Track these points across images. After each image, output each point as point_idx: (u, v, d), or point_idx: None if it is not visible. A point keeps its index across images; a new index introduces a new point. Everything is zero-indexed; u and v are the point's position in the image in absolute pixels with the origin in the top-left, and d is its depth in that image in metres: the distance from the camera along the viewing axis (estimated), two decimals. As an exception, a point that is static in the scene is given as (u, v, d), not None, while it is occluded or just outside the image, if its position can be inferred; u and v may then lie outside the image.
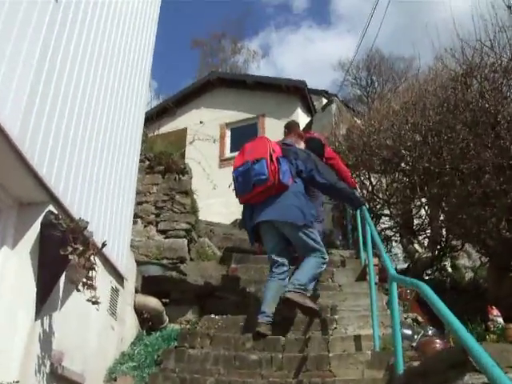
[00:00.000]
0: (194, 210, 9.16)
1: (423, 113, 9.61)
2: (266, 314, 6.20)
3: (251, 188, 6.39)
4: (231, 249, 9.80)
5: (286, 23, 64.05)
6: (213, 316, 6.97)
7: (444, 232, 10.39)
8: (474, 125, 8.51)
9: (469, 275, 12.27)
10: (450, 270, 12.27)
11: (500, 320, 7.26)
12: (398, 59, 34.40)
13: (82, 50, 4.84)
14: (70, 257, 3.92)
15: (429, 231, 11.18)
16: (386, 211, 11.86)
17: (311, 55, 57.26)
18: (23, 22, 3.74)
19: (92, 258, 4.18)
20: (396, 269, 9.79)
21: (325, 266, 6.81)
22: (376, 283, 7.36)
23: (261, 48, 66.41)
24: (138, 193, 7.51)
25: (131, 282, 6.71)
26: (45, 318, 4.16)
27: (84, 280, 4.18)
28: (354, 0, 56.74)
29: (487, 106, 8.32)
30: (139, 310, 6.87)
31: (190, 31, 64.36)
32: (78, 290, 4.21)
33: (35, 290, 3.98)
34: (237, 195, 6.74)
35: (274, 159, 6.40)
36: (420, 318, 7.02)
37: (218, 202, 15.50)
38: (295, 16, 62.55)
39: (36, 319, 3.98)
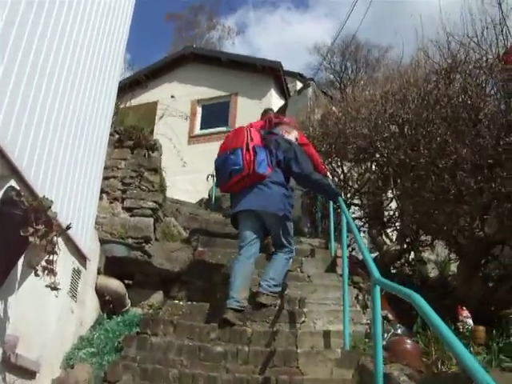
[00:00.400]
0: (162, 189, 8.88)
1: (403, 104, 9.41)
2: (234, 299, 6.07)
3: (228, 177, 6.44)
4: (197, 230, 9.55)
5: (264, 3, 63.63)
6: (177, 302, 6.75)
7: (414, 226, 10.23)
8: (454, 120, 8.34)
9: (434, 270, 12.21)
10: (415, 263, 12.18)
11: (470, 321, 7.17)
12: (373, 47, 34.31)
13: (52, 24, 4.49)
14: (31, 238, 3.60)
15: (399, 224, 11.04)
16: (357, 201, 11.72)
17: (288, 37, 57.22)
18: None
19: (54, 240, 3.86)
20: (363, 260, 9.67)
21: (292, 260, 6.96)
22: (342, 275, 7.20)
23: (237, 26, 66.13)
24: (105, 167, 7.17)
25: (94, 262, 6.40)
26: (0, 303, 3.84)
27: (44, 264, 3.86)
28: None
29: (469, 102, 8.15)
30: (100, 292, 6.57)
31: (166, 3, 63.40)
32: (37, 275, 3.89)
33: (-11, 273, 3.66)
34: (217, 185, 7.01)
35: (251, 148, 6.39)
36: (390, 316, 6.85)
37: (184, 179, 15.25)
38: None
39: (-10, 305, 3.67)
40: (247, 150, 6.35)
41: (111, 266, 6.85)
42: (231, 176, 6.40)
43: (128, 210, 8.11)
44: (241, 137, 6.52)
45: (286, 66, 20.34)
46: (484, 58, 8.30)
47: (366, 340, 6.02)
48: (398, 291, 3.31)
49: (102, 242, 7.04)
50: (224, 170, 6.49)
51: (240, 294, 6.11)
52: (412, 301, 2.92)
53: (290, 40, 56.43)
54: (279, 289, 6.52)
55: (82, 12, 5.20)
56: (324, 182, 7.06)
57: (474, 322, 7.16)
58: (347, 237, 7.19)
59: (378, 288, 3.96)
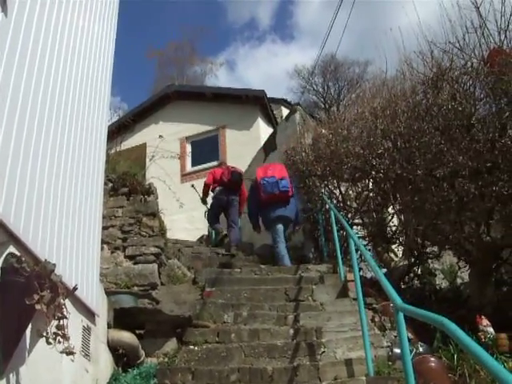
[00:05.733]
0: (162, 232, 8.79)
1: (393, 118, 9.36)
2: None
3: (277, 193, 9.97)
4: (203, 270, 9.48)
5: (250, 38, 64.58)
6: (192, 347, 6.59)
7: (419, 239, 10.12)
8: (447, 129, 8.32)
9: (444, 281, 12.06)
10: (424, 276, 12.04)
11: (491, 330, 7.06)
12: (353, 64, 34.52)
13: (36, 75, 4.38)
14: (37, 306, 3.46)
15: (403, 239, 10.93)
16: (358, 220, 11.61)
17: (274, 68, 58.00)
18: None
19: (62, 303, 3.72)
20: (371, 278, 9.55)
21: None
22: (355, 299, 7.09)
23: (227, 63, 67.28)
24: (102, 217, 7.05)
25: (103, 317, 6.24)
26: (11, 375, 3.68)
27: (54, 330, 3.72)
28: (316, 16, 57.36)
29: (460, 108, 8.11)
30: (113, 346, 6.39)
31: (148, 42, 64.35)
32: (49, 343, 3.73)
33: (-2, 346, 3.51)
34: (263, 194, 9.98)
35: (289, 180, 10.39)
36: (409, 335, 6.70)
37: (182, 218, 15.16)
38: (259, 32, 63.30)
39: (1, 378, 3.50)
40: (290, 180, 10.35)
41: (120, 318, 6.69)
42: (280, 192, 9.98)
43: (130, 258, 8.01)
44: (284, 171, 10.40)
45: (269, 93, 20.41)
46: (469, 63, 8.30)
47: (390, 363, 5.88)
48: (426, 318, 3.19)
49: (108, 293, 6.89)
50: (273, 187, 9.94)
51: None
52: (444, 327, 2.80)
53: (277, 70, 57.39)
54: None
55: (64, 61, 5.11)
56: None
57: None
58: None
59: (401, 315, 3.84)
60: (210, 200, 12.04)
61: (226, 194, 11.47)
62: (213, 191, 11.73)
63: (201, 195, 12.03)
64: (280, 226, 10.03)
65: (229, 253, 10.89)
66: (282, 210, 10.00)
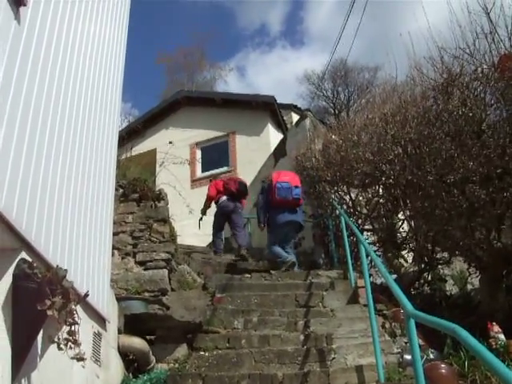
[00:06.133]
0: (172, 238, 8.77)
1: (403, 124, 9.35)
2: (287, 257, 10.00)
3: (290, 199, 10.15)
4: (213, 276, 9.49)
5: (260, 44, 64.74)
6: (202, 353, 6.59)
7: (430, 245, 10.09)
8: (457, 134, 8.29)
9: (454, 287, 12.00)
10: (434, 282, 12.00)
11: (502, 337, 7.00)
12: (363, 69, 34.48)
13: (48, 80, 4.41)
14: (49, 312, 3.47)
15: (413, 244, 10.90)
16: (368, 226, 11.60)
17: (284, 74, 58.09)
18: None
19: (73, 309, 3.73)
20: (381, 284, 9.53)
21: None
22: (365, 305, 7.08)
23: (237, 69, 67.40)
24: (113, 223, 7.07)
25: (114, 323, 6.25)
26: (23, 380, 3.69)
27: (66, 336, 3.73)
28: (326, 22, 57.41)
29: (470, 114, 8.08)
30: (123, 352, 6.40)
31: (158, 47, 64.66)
32: (61, 349, 3.75)
33: (10, 351, 3.51)
34: (277, 197, 10.12)
35: (301, 189, 10.59)
36: (420, 341, 6.68)
37: (192, 224, 15.11)
38: (270, 38, 63.44)
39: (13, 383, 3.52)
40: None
41: (131, 324, 6.70)
42: (293, 199, 10.17)
43: (141, 263, 8.01)
44: (297, 180, 10.54)
45: (279, 99, 20.41)
46: (479, 69, 8.26)
47: (400, 370, 5.86)
48: (438, 325, 3.18)
49: (119, 299, 6.90)
50: (287, 193, 10.14)
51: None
52: (455, 334, 2.79)
53: (286, 76, 57.48)
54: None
55: (76, 66, 5.13)
56: None
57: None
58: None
59: (412, 322, 3.83)
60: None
61: (233, 203, 11.90)
62: (216, 202, 12.14)
63: (202, 207, 12.47)
64: (291, 232, 10.37)
65: (239, 257, 11.18)
66: (293, 215, 10.18)
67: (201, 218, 12.53)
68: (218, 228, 12.19)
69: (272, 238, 10.36)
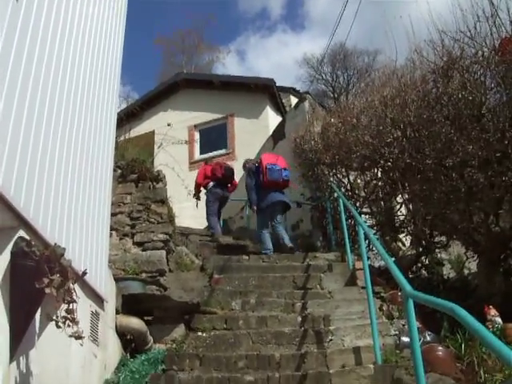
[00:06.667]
0: (170, 219, 8.78)
1: (403, 107, 9.32)
2: (271, 250, 9.98)
3: (280, 180, 10.39)
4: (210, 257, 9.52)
5: (260, 28, 64.38)
6: (200, 333, 6.61)
7: (428, 228, 10.09)
8: (457, 118, 8.26)
9: (451, 271, 12.03)
10: (432, 265, 12.02)
11: (498, 320, 7.00)
12: (362, 53, 34.33)
13: (46, 58, 4.37)
14: (47, 290, 3.47)
15: (411, 228, 10.90)
16: (366, 209, 11.60)
17: (284, 58, 57.85)
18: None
19: (71, 288, 3.73)
20: (379, 267, 9.56)
21: None
22: (363, 287, 7.10)
23: (238, 53, 67.07)
24: (111, 204, 7.06)
25: (111, 303, 6.26)
26: (21, 358, 3.70)
27: (64, 314, 3.73)
28: (327, 5, 57.10)
29: (470, 98, 8.05)
30: (121, 332, 6.41)
31: (156, 30, 64.31)
32: (59, 327, 3.75)
33: (8, 329, 3.51)
34: (268, 178, 10.29)
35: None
36: (417, 324, 6.69)
37: (190, 206, 15.10)
38: (271, 21, 63.09)
39: (11, 362, 3.52)
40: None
41: (129, 304, 6.71)
42: (282, 181, 10.43)
43: (139, 244, 8.03)
44: (285, 162, 10.80)
45: (278, 82, 20.37)
46: (480, 52, 8.20)
47: (398, 351, 5.87)
48: (436, 304, 3.18)
49: (117, 279, 6.91)
50: (277, 175, 10.34)
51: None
52: (453, 313, 2.79)
53: (286, 60, 57.28)
54: None
55: (74, 47, 5.10)
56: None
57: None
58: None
59: (411, 302, 3.83)
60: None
61: (221, 189, 12.29)
62: (205, 187, 12.46)
63: (193, 193, 12.75)
64: (279, 217, 10.46)
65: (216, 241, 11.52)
66: (281, 195, 10.44)
67: (197, 198, 12.78)
68: (213, 214, 12.35)
69: (261, 222, 10.55)
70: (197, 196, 12.71)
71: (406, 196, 10.52)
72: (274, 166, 10.38)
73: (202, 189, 12.63)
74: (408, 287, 3.95)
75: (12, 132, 3.60)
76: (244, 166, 11.24)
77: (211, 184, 12.27)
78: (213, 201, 12.24)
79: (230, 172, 12.36)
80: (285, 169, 10.51)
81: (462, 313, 2.71)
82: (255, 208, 10.66)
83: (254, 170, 10.63)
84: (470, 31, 8.31)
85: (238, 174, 12.87)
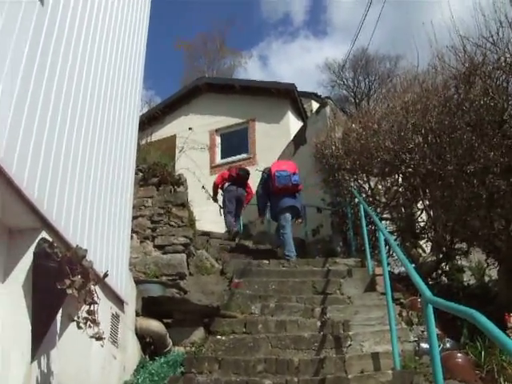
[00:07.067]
0: (191, 223, 8.82)
1: (424, 113, 9.29)
2: (294, 253, 9.98)
3: (290, 185, 10.37)
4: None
5: (283, 34, 64.49)
6: (219, 337, 6.63)
7: (448, 235, 10.04)
8: (478, 124, 8.21)
9: (471, 278, 11.94)
10: (452, 272, 11.95)
11: (519, 328, 6.93)
12: (384, 59, 34.20)
13: (71, 61, 4.43)
14: (68, 291, 3.51)
15: (432, 234, 10.84)
16: (387, 215, 11.56)
17: (306, 64, 57.90)
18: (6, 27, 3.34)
19: (92, 289, 3.77)
20: (399, 273, 9.52)
21: None
22: (382, 293, 7.08)
23: (260, 58, 67.23)
24: (132, 207, 7.11)
25: (131, 305, 6.31)
26: (42, 358, 3.75)
27: (85, 315, 3.77)
28: (350, 11, 57.02)
29: (492, 104, 8.00)
30: (141, 335, 6.47)
31: (178, 34, 64.63)
32: (80, 328, 3.79)
33: (30, 329, 3.56)
34: (277, 185, 10.36)
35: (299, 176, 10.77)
36: (437, 330, 6.66)
37: (211, 210, 15.14)
38: (293, 27, 63.24)
39: (32, 361, 3.57)
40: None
41: (149, 307, 6.76)
42: (292, 185, 10.39)
43: (159, 247, 8.07)
44: (295, 167, 10.72)
45: (300, 88, 20.36)
46: (502, 58, 8.15)
47: (417, 358, 5.85)
48: (456, 310, 3.17)
49: (137, 282, 6.97)
50: (286, 181, 10.36)
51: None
52: (473, 320, 2.79)
53: (308, 66, 57.37)
54: None
55: (98, 49, 5.16)
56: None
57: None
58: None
59: (430, 308, 3.82)
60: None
61: (236, 188, 12.76)
62: (222, 189, 13.06)
63: (211, 194, 13.36)
64: (288, 215, 10.46)
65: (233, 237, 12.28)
66: (292, 200, 10.52)
67: (215, 200, 13.35)
68: (227, 212, 12.83)
69: (282, 224, 10.56)
70: (214, 198, 13.23)
71: (427, 202, 10.48)
72: (282, 173, 10.53)
73: (219, 191, 13.11)
74: (428, 293, 3.94)
75: (36, 134, 3.66)
76: (263, 173, 11.37)
77: (227, 184, 12.87)
78: (228, 199, 12.75)
79: (244, 172, 12.87)
80: (294, 173, 10.62)
81: (482, 319, 2.70)
82: (262, 215, 11.17)
83: (266, 177, 10.87)
84: (492, 37, 8.27)
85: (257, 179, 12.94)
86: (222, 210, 13.13)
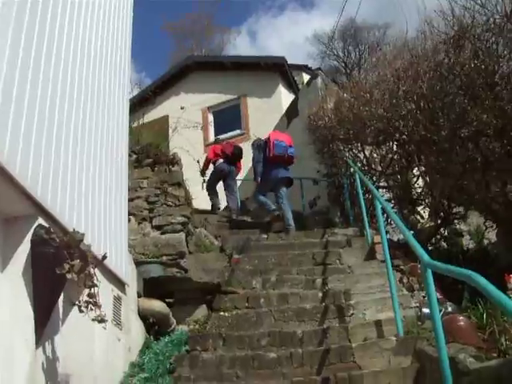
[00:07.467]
0: (188, 202, 8.81)
1: (415, 79, 9.25)
2: (275, 209, 10.47)
3: (285, 156, 10.48)
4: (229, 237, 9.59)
5: (271, 7, 63.91)
6: (222, 313, 6.67)
7: (445, 200, 10.06)
8: (470, 88, 8.17)
9: (470, 242, 11.99)
10: (451, 237, 11.99)
11: (519, 288, 6.96)
12: (372, 27, 34.01)
13: (56, 43, 4.40)
14: (68, 275, 3.52)
15: (429, 200, 10.87)
16: (383, 183, 11.57)
17: (295, 37, 57.40)
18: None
19: (92, 272, 3.78)
20: (398, 240, 9.54)
21: None
22: (382, 261, 7.10)
23: (249, 34, 66.53)
24: (128, 189, 7.10)
25: (133, 286, 6.33)
26: (46, 344, 3.77)
27: (86, 298, 3.78)
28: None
29: (483, 66, 7.96)
30: (144, 315, 6.50)
31: (165, 14, 63.96)
32: (82, 311, 3.80)
33: (32, 315, 3.57)
34: (275, 153, 10.44)
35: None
36: (438, 295, 6.69)
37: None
38: (280, 0, 62.71)
39: (37, 348, 3.58)
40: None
41: (150, 287, 6.79)
42: (287, 157, 10.51)
43: (158, 228, 8.07)
44: (290, 140, 10.89)
45: (290, 61, 20.21)
46: (491, 20, 8.10)
47: (419, 323, 5.88)
48: (454, 273, 3.18)
49: (137, 263, 6.98)
50: (283, 151, 10.44)
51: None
52: (471, 281, 2.80)
53: (297, 38, 56.87)
54: None
55: (83, 30, 5.12)
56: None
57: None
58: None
59: (429, 272, 3.83)
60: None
61: (228, 166, 12.68)
62: (213, 164, 12.92)
63: (201, 168, 13.12)
64: (284, 189, 10.58)
65: (229, 218, 11.98)
66: (286, 172, 10.63)
67: (203, 180, 13.07)
68: (212, 188, 12.89)
69: (259, 189, 10.78)
70: (203, 173, 13.10)
71: (423, 168, 10.50)
72: (280, 143, 10.57)
73: (210, 165, 13.06)
74: (426, 257, 3.95)
75: (26, 121, 3.64)
76: (253, 145, 11.27)
77: (220, 161, 12.71)
78: (215, 177, 12.82)
79: (238, 150, 12.81)
80: (290, 146, 10.69)
81: (481, 279, 2.71)
82: (258, 180, 10.81)
83: (263, 145, 10.83)
84: (480, -2, 8.22)
85: (249, 156, 12.85)
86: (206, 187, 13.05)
